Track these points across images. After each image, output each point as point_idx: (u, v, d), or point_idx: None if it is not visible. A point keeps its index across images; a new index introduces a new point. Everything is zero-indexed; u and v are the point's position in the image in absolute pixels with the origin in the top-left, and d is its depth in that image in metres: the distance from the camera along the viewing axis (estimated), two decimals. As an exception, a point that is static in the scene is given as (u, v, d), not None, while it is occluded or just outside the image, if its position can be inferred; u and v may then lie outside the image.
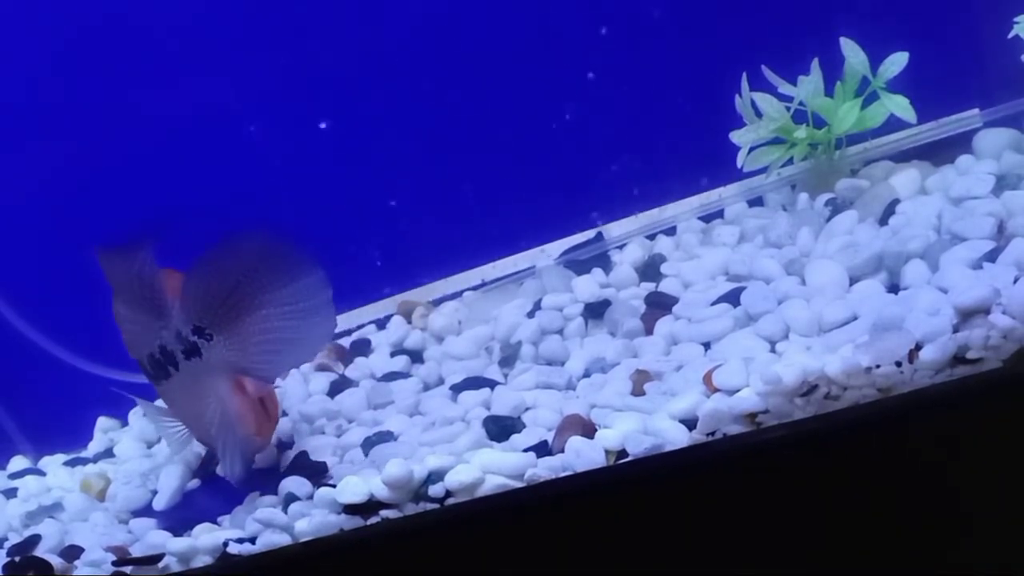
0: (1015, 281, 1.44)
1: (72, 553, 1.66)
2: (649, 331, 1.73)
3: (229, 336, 1.49)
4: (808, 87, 1.83)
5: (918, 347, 1.40)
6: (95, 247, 1.55)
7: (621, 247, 1.96)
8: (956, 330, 1.40)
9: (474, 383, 1.75)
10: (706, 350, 1.64)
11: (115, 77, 2.01)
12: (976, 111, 1.86)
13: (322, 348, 1.56)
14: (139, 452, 1.96)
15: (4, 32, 2.00)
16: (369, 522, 1.52)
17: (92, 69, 2.01)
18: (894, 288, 1.61)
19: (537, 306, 1.87)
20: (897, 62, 1.80)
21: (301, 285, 1.47)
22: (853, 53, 1.81)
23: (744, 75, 1.83)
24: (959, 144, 1.84)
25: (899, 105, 1.80)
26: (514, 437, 1.58)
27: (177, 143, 2.01)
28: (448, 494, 1.51)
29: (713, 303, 1.71)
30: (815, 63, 1.83)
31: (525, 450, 1.53)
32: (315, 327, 1.50)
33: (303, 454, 1.73)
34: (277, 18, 1.99)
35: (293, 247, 1.45)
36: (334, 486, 1.55)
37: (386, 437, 1.68)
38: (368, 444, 1.68)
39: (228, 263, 1.45)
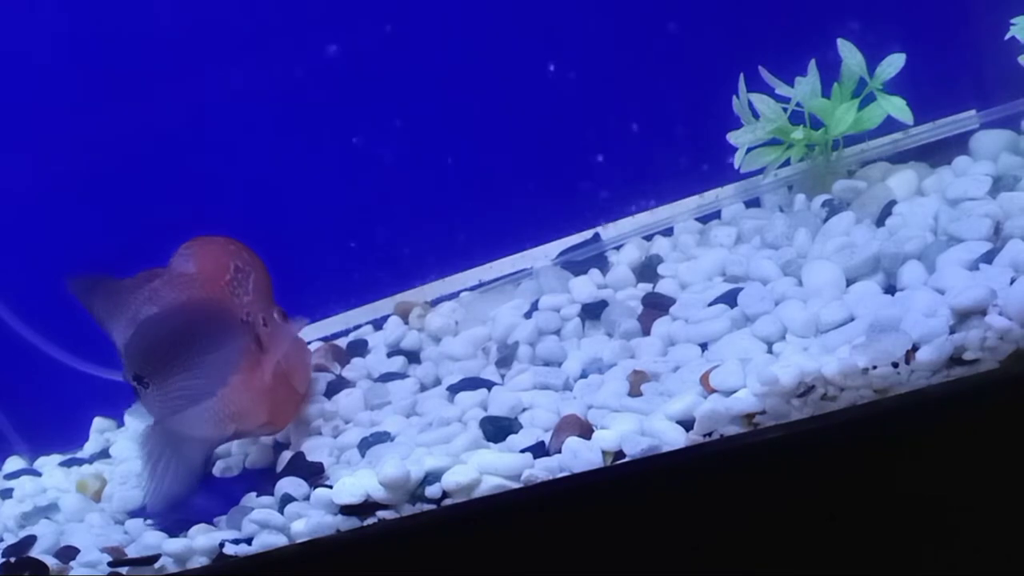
0: (1011, 282, 1.45)
1: (68, 554, 1.66)
2: (646, 332, 1.73)
3: (158, 388, 1.64)
4: (805, 88, 1.83)
5: (915, 348, 1.40)
6: (66, 277, 1.70)
7: (618, 248, 1.95)
8: (953, 331, 1.40)
9: (471, 384, 1.75)
10: (703, 351, 1.64)
11: (113, 79, 2.01)
12: (973, 112, 1.86)
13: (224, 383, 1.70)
14: (135, 453, 1.95)
15: (6, 36, 2.01)
16: (366, 523, 1.52)
17: (90, 71, 2.01)
18: (891, 289, 1.61)
19: (534, 307, 1.86)
20: (894, 63, 1.80)
21: (227, 349, 1.67)
22: (850, 54, 1.81)
23: (741, 76, 1.83)
24: (956, 145, 1.84)
25: (896, 106, 1.80)
26: (511, 438, 1.58)
27: (176, 145, 2.01)
28: (445, 495, 1.51)
29: (710, 304, 1.71)
30: (812, 64, 1.83)
31: (522, 451, 1.53)
32: (222, 367, 1.66)
33: (299, 455, 1.73)
34: (273, 17, 1.99)
35: (224, 314, 1.64)
36: (331, 487, 1.55)
37: (383, 438, 1.68)
38: (365, 445, 1.68)
39: (168, 326, 1.62)
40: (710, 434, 1.44)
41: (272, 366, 1.76)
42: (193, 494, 1.75)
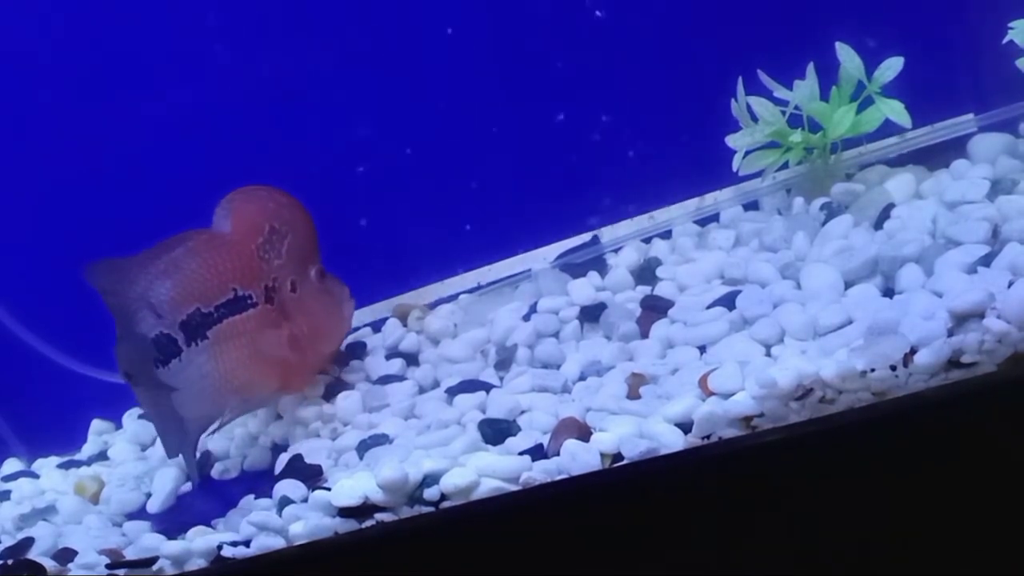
0: (1009, 285, 1.45)
1: (65, 556, 1.66)
2: (645, 334, 1.74)
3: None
4: (804, 91, 1.83)
5: (913, 351, 1.41)
6: (85, 264, 1.71)
7: (617, 250, 1.96)
8: (951, 334, 1.40)
9: (469, 386, 1.75)
10: (701, 353, 1.64)
11: (111, 81, 2.01)
12: (971, 116, 1.86)
13: None
14: (133, 455, 1.96)
15: (5, 38, 2.01)
16: (364, 525, 1.52)
17: (90, 72, 2.01)
18: (889, 292, 1.62)
19: (533, 309, 1.87)
20: (892, 67, 1.80)
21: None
22: (848, 57, 1.81)
23: (740, 79, 1.83)
24: (954, 149, 1.84)
25: (894, 109, 1.80)
26: (509, 440, 1.58)
27: (174, 146, 2.01)
28: (443, 497, 1.51)
29: (708, 307, 1.71)
30: (811, 67, 1.83)
31: (520, 453, 1.53)
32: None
33: (298, 457, 1.73)
34: (276, 17, 1.99)
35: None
36: (329, 489, 1.55)
37: (381, 440, 1.68)
38: (363, 447, 1.68)
39: (130, 352, 1.71)
40: (708, 436, 1.45)
41: (288, 335, 1.76)
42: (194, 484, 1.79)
